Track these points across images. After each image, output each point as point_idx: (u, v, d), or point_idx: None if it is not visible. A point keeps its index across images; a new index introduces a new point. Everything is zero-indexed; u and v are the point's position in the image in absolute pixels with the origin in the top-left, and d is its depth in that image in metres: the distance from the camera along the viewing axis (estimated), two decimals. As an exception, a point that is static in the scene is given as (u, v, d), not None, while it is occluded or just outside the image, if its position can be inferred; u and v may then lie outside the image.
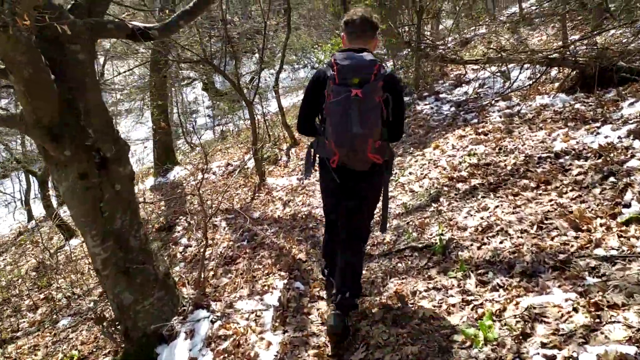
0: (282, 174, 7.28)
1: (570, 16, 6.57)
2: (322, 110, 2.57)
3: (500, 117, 5.84)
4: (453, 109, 7.24)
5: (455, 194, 4.22)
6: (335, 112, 2.45)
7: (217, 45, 9.09)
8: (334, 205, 2.93)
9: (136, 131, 17.34)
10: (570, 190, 3.47)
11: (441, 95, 8.10)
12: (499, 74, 7.47)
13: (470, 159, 4.79)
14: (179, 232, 6.44)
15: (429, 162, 5.27)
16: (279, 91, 8.05)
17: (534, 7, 11.37)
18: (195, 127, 19.16)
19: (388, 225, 3.61)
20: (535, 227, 3.12)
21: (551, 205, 3.35)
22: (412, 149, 6.09)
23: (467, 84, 8.26)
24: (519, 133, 5.00)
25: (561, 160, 4.00)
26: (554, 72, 6.48)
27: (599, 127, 4.31)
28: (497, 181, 4.11)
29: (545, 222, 3.15)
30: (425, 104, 8.00)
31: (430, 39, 8.62)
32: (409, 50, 8.17)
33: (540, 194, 3.60)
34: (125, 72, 10.86)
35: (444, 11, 8.82)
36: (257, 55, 22.55)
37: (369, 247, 3.95)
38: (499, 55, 6.21)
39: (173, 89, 19.96)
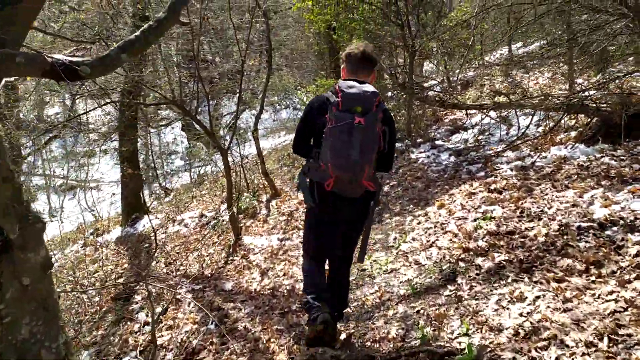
0: (260, 231, 6.38)
1: (567, 59, 5.98)
2: (321, 134, 2.59)
3: (512, 170, 5.09)
4: (453, 158, 6.50)
5: (477, 274, 3.36)
6: (337, 137, 2.49)
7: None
8: (324, 233, 2.92)
9: (115, 172, 16.35)
10: (635, 279, 2.65)
11: (437, 143, 7.38)
12: (499, 119, 6.80)
13: (486, 224, 3.97)
14: (137, 303, 5.44)
15: (435, 226, 4.44)
16: (258, 137, 7.26)
17: (530, 48, 10.92)
18: (172, 169, 18.27)
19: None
20: (605, 339, 2.27)
21: (616, 301, 2.51)
22: (411, 206, 5.28)
23: (465, 130, 7.57)
24: (541, 192, 4.22)
25: (609, 233, 3.20)
26: (565, 118, 5.81)
27: (645, 189, 3.55)
28: (528, 258, 3.27)
29: (619, 330, 2.30)
30: (421, 152, 7.26)
31: (424, 81, 7.98)
32: (399, 92, 7.49)
33: (593, 282, 2.77)
34: (84, 112, 10.01)
35: (437, 52, 8.23)
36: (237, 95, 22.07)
37: (368, 342, 3.07)
38: (507, 100, 5.52)
39: (151, 130, 19.16)
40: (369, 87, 2.58)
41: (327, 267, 3.16)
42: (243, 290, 4.64)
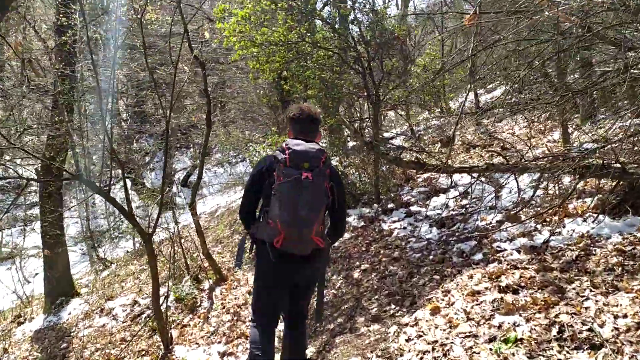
0: (199, 337, 4.90)
1: (558, 106, 5.00)
2: (269, 193, 2.61)
3: (519, 252, 3.90)
4: (435, 230, 5.29)
5: None
6: (285, 193, 2.52)
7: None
8: (275, 293, 2.87)
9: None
10: None
11: (413, 209, 6.19)
12: (487, 181, 5.69)
13: (511, 352, 2.69)
14: None
15: (431, 347, 3.11)
16: (196, 210, 5.88)
17: (494, 94, 10.13)
18: (120, 233, 16.41)
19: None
20: None
21: None
22: (393, 306, 3.96)
23: (445, 191, 6.43)
24: (578, 294, 3.00)
25: None
26: (567, 179, 4.71)
27: None
28: None
29: None
30: (394, 221, 6.03)
31: (392, 137, 6.87)
32: (365, 150, 6.34)
33: None
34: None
35: (404, 102, 7.20)
36: (191, 149, 20.63)
37: None
38: (503, 161, 4.40)
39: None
40: (315, 145, 2.66)
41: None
42: None
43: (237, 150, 14.18)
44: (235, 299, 5.45)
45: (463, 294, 3.52)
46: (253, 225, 2.78)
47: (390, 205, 6.56)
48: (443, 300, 3.59)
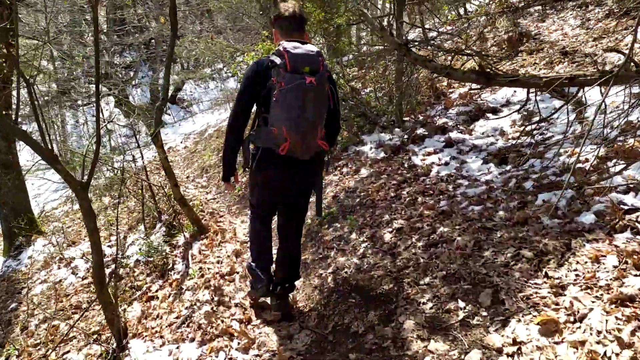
0: (167, 322, 3.48)
1: None
2: (268, 99, 2.50)
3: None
4: (494, 168, 3.76)
5: None
6: (290, 99, 2.43)
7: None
8: (273, 202, 2.95)
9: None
10: None
11: (453, 136, 4.60)
12: (563, 96, 4.06)
13: None
14: None
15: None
16: (162, 142, 4.26)
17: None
18: (105, 153, 14.83)
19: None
20: None
21: None
22: (460, 303, 2.47)
23: (492, 111, 4.81)
24: None
25: None
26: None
27: None
28: None
29: None
30: (429, 153, 4.48)
31: (428, 31, 5.10)
32: (392, 53, 4.65)
33: None
34: None
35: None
36: (179, 64, 18.53)
37: None
38: (597, 70, 2.75)
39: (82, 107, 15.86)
40: (312, 47, 2.55)
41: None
42: None
43: (226, 64, 12.25)
44: (219, 263, 4.00)
45: (598, 297, 2.04)
46: (253, 132, 2.68)
47: (421, 131, 4.97)
48: (558, 304, 2.12)
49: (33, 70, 6.71)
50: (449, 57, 4.53)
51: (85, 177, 3.21)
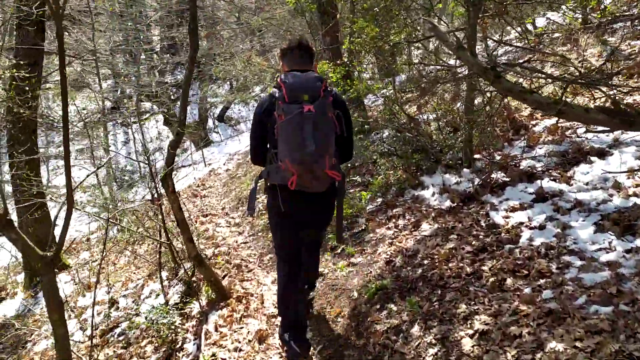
0: None
1: None
2: (273, 133, 2.46)
3: None
4: (616, 241, 2.67)
5: None
6: (289, 130, 2.37)
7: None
8: (293, 236, 2.81)
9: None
10: None
11: (546, 186, 3.51)
12: None
13: None
14: None
15: None
16: (173, 183, 3.41)
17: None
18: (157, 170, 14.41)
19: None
20: None
21: None
22: None
23: (599, 155, 3.68)
24: None
25: None
26: None
27: None
28: None
29: None
30: (513, 208, 3.42)
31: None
32: (471, 77, 3.66)
33: None
34: None
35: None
36: (229, 83, 18.14)
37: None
38: None
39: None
40: (312, 74, 2.51)
41: None
42: None
43: (265, 85, 11.50)
44: (236, 351, 3.08)
45: None
46: (264, 169, 2.63)
47: (499, 175, 3.91)
48: None
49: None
50: (552, 86, 3.46)
51: (54, 249, 2.40)
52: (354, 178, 5.16)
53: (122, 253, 6.54)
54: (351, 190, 5.02)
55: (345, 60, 5.76)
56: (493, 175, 3.96)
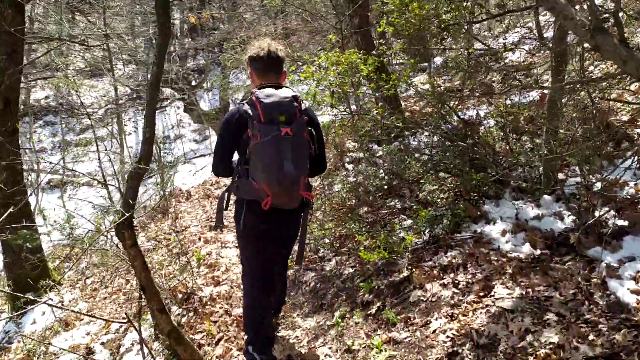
0: None
1: None
2: (245, 151, 2.38)
3: None
4: None
5: None
6: (266, 153, 2.30)
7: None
8: (268, 251, 2.66)
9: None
10: None
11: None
12: None
13: None
14: None
15: None
16: (134, 234, 2.34)
17: None
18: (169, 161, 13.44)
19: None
20: None
21: None
22: None
23: None
24: None
25: None
26: None
27: None
28: None
29: None
30: (637, 271, 2.19)
31: None
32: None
33: None
34: None
35: None
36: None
37: None
38: None
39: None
40: (287, 92, 2.41)
41: None
42: None
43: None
44: None
45: None
46: (232, 183, 2.53)
47: (610, 215, 2.69)
48: None
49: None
50: None
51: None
52: (390, 203, 3.93)
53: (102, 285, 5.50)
54: (388, 219, 3.81)
55: (380, 46, 4.57)
56: (597, 212, 2.73)
